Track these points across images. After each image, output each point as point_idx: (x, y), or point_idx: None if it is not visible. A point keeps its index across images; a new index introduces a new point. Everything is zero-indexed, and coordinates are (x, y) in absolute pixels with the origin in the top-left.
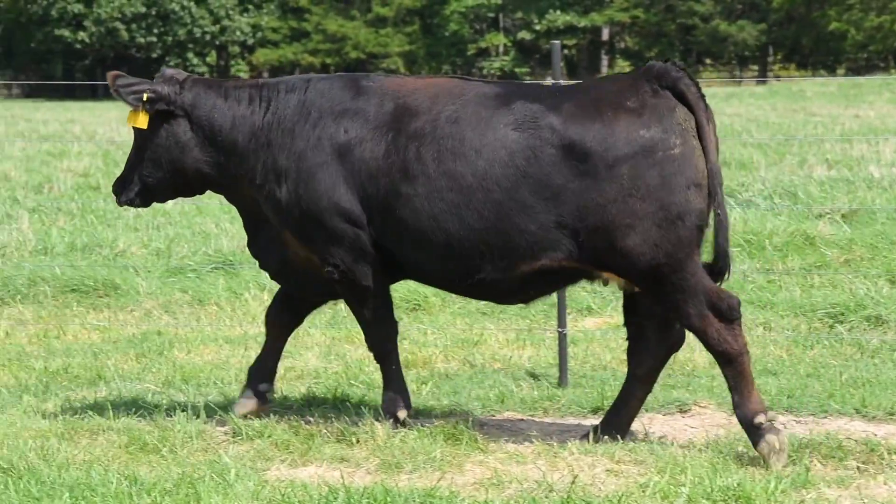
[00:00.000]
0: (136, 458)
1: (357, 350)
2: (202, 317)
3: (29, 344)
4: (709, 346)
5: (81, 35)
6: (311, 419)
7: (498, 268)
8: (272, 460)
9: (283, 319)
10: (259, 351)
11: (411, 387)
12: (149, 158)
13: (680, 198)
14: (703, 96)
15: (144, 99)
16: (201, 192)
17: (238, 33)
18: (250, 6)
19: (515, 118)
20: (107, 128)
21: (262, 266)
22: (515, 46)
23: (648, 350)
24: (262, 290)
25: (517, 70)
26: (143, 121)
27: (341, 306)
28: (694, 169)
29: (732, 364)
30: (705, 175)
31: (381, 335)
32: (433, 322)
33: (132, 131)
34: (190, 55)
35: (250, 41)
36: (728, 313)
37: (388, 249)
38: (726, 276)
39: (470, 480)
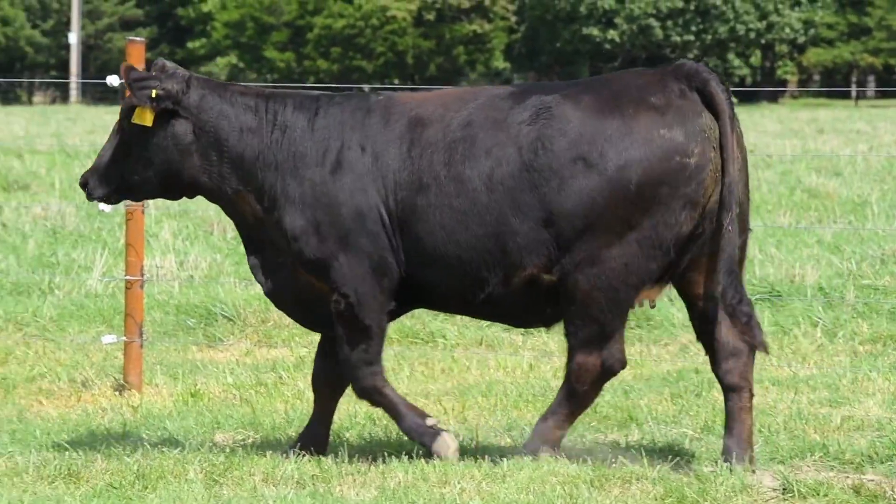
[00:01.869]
0: None
1: None
2: None
3: (554, 378)
4: (567, 372)
5: (611, 34)
6: (874, 478)
7: (499, 280)
8: None
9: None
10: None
11: None
12: (138, 155)
13: (673, 218)
14: (731, 104)
15: (153, 96)
16: (190, 197)
17: (787, 30)
18: (802, 0)
19: (530, 113)
20: None
21: (266, 293)
22: None
23: (730, 351)
24: (814, 325)
25: None
26: (149, 118)
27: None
28: (699, 185)
29: (567, 403)
30: (709, 193)
31: (370, 378)
32: None
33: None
34: (730, 55)
35: (801, 39)
36: (607, 369)
37: (408, 275)
38: (728, 297)
39: None
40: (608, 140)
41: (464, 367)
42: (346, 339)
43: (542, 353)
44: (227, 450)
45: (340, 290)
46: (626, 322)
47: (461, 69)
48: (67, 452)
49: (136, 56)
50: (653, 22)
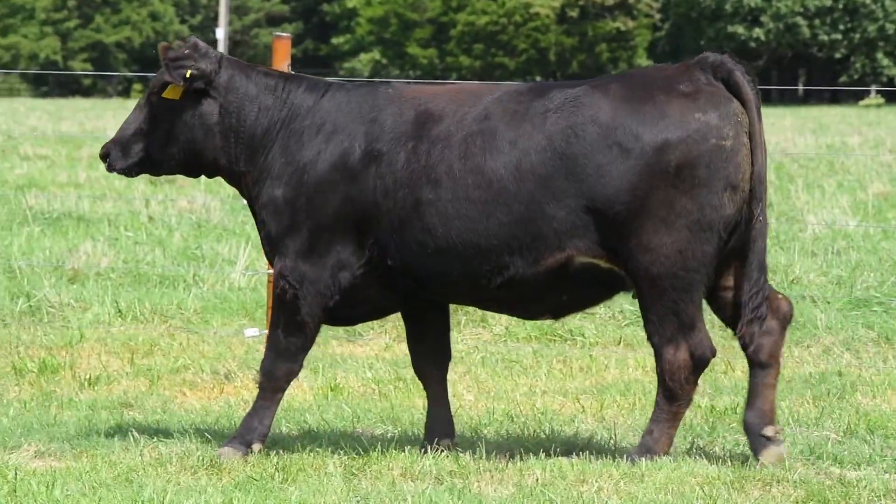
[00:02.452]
0: None
1: None
2: (890, 357)
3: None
4: (659, 371)
5: (757, 32)
6: None
7: (525, 262)
8: None
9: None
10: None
11: None
12: (164, 131)
13: (717, 200)
14: (757, 93)
15: (187, 75)
16: (209, 177)
17: None
18: None
19: (556, 103)
20: (780, 136)
21: None
22: None
23: (763, 329)
24: None
25: None
26: (178, 92)
27: None
28: (736, 168)
29: (667, 403)
30: (746, 178)
31: (283, 368)
32: None
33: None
34: (879, 55)
35: None
36: (697, 360)
37: (405, 267)
38: (763, 291)
39: None
40: (642, 125)
41: (602, 365)
42: (278, 326)
43: None
44: (366, 444)
45: (287, 277)
46: (702, 310)
47: (603, 66)
48: (210, 444)
49: (282, 51)
50: (800, 20)
